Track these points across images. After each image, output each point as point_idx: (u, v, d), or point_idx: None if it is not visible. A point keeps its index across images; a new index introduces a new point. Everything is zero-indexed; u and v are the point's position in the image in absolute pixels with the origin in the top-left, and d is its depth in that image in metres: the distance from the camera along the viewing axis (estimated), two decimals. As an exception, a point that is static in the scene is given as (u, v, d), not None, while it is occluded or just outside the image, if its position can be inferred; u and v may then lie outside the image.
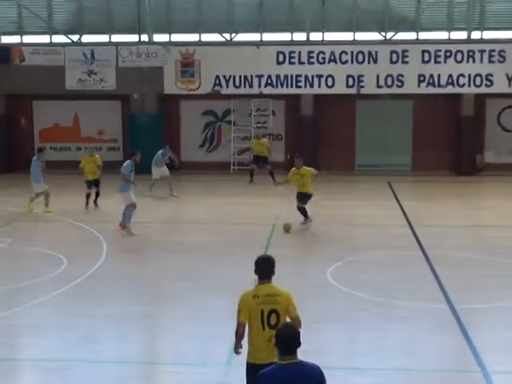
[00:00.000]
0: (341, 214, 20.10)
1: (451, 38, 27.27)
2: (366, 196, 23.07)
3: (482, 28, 27.19)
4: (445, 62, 26.52)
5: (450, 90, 26.60)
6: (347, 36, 27.41)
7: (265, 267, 7.33)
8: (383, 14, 27.30)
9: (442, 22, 27.43)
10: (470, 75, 26.48)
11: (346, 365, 9.70)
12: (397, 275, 13.91)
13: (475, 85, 26.52)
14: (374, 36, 27.41)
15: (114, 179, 18.46)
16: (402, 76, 26.57)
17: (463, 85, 26.52)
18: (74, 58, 27.47)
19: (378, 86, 26.73)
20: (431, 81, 26.49)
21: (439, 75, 26.49)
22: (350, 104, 27.83)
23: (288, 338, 5.81)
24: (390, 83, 26.67)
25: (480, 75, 26.42)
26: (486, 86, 26.48)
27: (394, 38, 27.35)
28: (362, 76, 26.68)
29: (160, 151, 23.11)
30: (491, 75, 26.36)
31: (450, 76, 26.51)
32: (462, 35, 27.07)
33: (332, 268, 14.30)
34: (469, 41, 26.81)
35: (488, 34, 27.22)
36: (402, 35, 27.47)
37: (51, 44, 28.12)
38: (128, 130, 28.08)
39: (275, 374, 5.76)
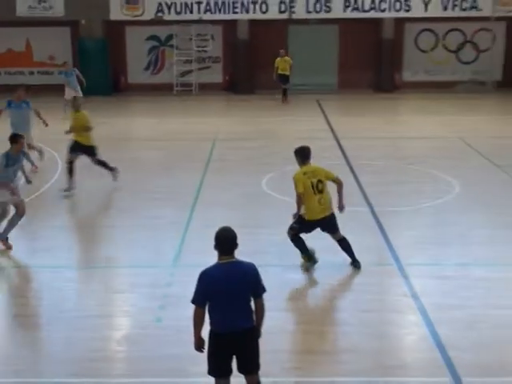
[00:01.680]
0: (275, 128, 20.19)
1: (374, -34, 27.05)
2: (297, 113, 23.19)
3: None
4: (368, -12, 26.38)
5: (372, 14, 26.53)
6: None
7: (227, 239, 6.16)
8: None
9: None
10: (390, 1, 26.38)
11: (281, 263, 9.98)
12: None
13: (395, 10, 26.47)
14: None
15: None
16: (329, 2, 26.35)
17: (384, 10, 26.46)
18: (24, -14, 26.43)
19: (308, 12, 26.49)
20: (356, 6, 26.35)
21: (363, 1, 26.32)
22: (282, 28, 27.58)
23: (226, 240, 5.91)
24: (318, 9, 26.44)
25: (399, 1, 26.36)
26: (405, 10, 26.46)
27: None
28: (293, 2, 26.39)
29: (63, 71, 22.25)
30: (409, 1, 26.32)
31: (373, 1, 26.39)
32: (383, -36, 26.84)
33: (267, 177, 14.49)
34: (390, -31, 26.65)
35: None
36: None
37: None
38: (77, 55, 27.39)
39: (215, 272, 5.91)
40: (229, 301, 5.83)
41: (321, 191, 9.27)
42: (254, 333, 6.04)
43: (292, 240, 9.60)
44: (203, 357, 6.10)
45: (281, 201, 12.60)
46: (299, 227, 9.46)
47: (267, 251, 10.26)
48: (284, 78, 24.99)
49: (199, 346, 6.08)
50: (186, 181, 14.40)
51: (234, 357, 6.04)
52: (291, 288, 9.28)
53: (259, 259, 9.68)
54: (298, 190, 9.20)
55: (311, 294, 9.08)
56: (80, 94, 21.48)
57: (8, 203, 10.47)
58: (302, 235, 9.55)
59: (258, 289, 5.99)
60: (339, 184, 9.59)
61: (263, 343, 6.20)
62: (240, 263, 5.97)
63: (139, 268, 9.99)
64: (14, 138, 10.42)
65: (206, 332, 6.02)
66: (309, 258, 9.62)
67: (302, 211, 9.33)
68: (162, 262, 10.10)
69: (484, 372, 7.08)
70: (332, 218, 9.53)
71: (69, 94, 21.60)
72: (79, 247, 10.90)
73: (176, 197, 13.21)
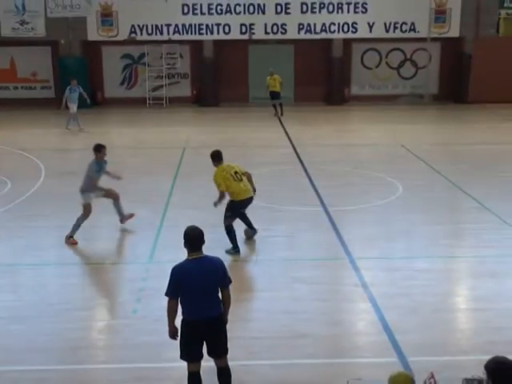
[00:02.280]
0: (239, 137, 20.17)
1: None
2: (259, 123, 23.19)
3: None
4: (319, 12, 26.48)
5: (323, 36, 26.70)
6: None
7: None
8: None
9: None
10: (339, 23, 26.59)
11: (243, 258, 9.96)
12: (282, 186, 14.16)
13: (343, 31, 26.69)
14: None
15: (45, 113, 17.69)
16: (285, 25, 26.46)
17: (334, 31, 26.65)
18: (8, 9, 25.97)
19: (266, 33, 26.55)
20: (308, 29, 26.51)
21: (315, 24, 26.50)
22: (244, 47, 27.57)
23: (194, 237, 5.88)
24: (275, 31, 26.52)
25: (347, 23, 26.59)
26: (352, 32, 26.69)
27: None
28: (253, 24, 26.42)
29: (68, 87, 21.97)
30: (356, 23, 26.58)
31: (324, 24, 26.56)
32: (332, -10, 27.02)
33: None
34: (338, -5, 26.86)
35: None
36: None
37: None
38: (58, 72, 27.03)
39: (186, 266, 5.88)
40: (199, 292, 5.80)
41: (240, 179, 10.02)
42: (221, 320, 6.02)
43: (227, 231, 9.95)
44: (176, 344, 6.05)
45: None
46: (232, 213, 10.04)
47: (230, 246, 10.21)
48: (275, 95, 24.38)
49: (173, 333, 6.04)
50: (158, 185, 14.28)
51: (204, 342, 6.01)
52: (253, 281, 9.27)
53: (224, 254, 9.74)
54: (220, 188, 9.91)
55: (270, 286, 9.02)
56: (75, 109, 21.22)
57: (99, 197, 11.13)
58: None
59: (225, 281, 5.98)
60: (249, 175, 10.34)
61: (229, 330, 6.18)
62: (208, 258, 5.95)
63: (118, 264, 9.89)
64: (98, 148, 10.78)
65: (178, 321, 5.98)
66: (235, 249, 9.93)
67: (231, 197, 10.03)
68: (138, 259, 10.00)
69: (427, 352, 7.15)
70: (252, 198, 10.23)
71: (72, 108, 21.28)
72: (62, 246, 10.73)
73: (150, 199, 13.10)
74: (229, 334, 6.14)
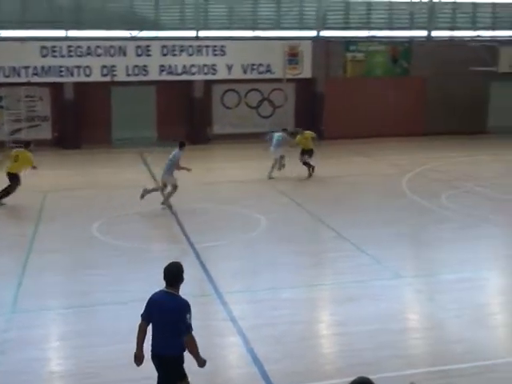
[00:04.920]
0: (104, 179, 19.79)
1: (184, 35, 27.60)
2: (123, 164, 22.87)
3: (207, 28, 27.84)
4: (180, 55, 26.78)
5: (184, 77, 26.99)
6: (100, 33, 26.68)
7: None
8: (129, 15, 27.03)
9: (177, 22, 27.71)
10: (199, 65, 27.03)
11: (110, 300, 9.70)
12: (152, 225, 14.06)
13: (203, 73, 27.15)
14: (123, 33, 27.03)
15: None
16: (147, 66, 26.52)
17: (194, 73, 27.06)
18: None
19: (128, 75, 26.42)
20: (170, 70, 26.73)
21: (176, 65, 26.77)
22: (106, 89, 27.21)
23: (167, 272, 6.05)
24: (137, 72, 26.49)
25: (207, 65, 27.10)
26: (212, 73, 27.22)
27: (139, 35, 27.14)
28: (115, 66, 26.23)
29: None
30: (215, 65, 27.16)
31: (184, 66, 26.90)
32: (192, 34, 27.49)
33: (97, 223, 14.13)
34: (197, 38, 27.33)
35: (212, 33, 27.93)
36: (145, 33, 27.32)
37: None
38: None
39: (156, 296, 6.08)
40: (158, 326, 5.93)
41: None
42: (172, 362, 5.98)
43: None
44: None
45: (110, 245, 12.33)
46: None
47: (99, 290, 9.95)
48: (309, 152, 19.98)
49: (137, 358, 6.06)
50: (20, 230, 13.66)
51: None
52: (125, 324, 9.05)
53: (92, 298, 9.41)
54: None
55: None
56: None
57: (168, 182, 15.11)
58: None
59: (179, 326, 5.91)
60: None
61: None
62: (174, 297, 5.99)
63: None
64: (183, 143, 15.65)
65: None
66: None
67: None
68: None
69: (295, 379, 7.32)
70: None
71: None
72: None
73: (12, 246, 12.49)
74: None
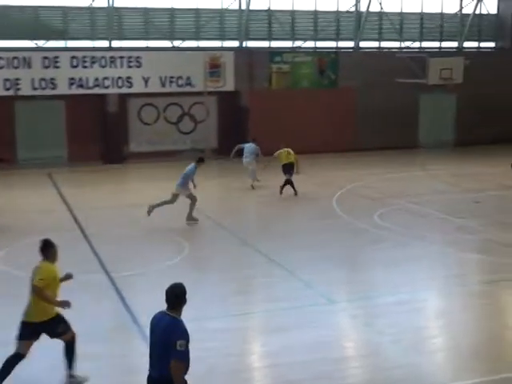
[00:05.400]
0: (8, 203, 19.12)
1: (95, 46, 27.27)
2: (30, 187, 22.19)
3: (121, 38, 27.61)
4: (91, 66, 26.36)
5: (96, 90, 26.58)
6: (2, 43, 25.98)
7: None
8: (34, 23, 26.46)
9: (87, 31, 27.31)
10: (113, 78, 26.69)
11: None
12: (62, 254, 13.64)
13: (118, 86, 26.83)
14: (28, 43, 26.42)
15: None
16: (55, 79, 25.96)
17: (108, 86, 26.69)
18: None
19: (34, 89, 25.77)
20: (80, 83, 26.26)
21: (87, 78, 26.32)
22: (9, 104, 26.44)
23: (167, 293, 6.16)
24: (44, 86, 25.86)
25: (121, 78, 26.79)
26: (127, 87, 26.93)
27: (45, 45, 26.59)
28: (19, 80, 25.54)
29: None
30: (130, 78, 26.89)
31: (97, 79, 26.50)
32: (104, 44, 27.18)
33: (2, 252, 13.63)
34: (110, 49, 27.01)
35: (126, 43, 27.70)
36: (52, 43, 26.81)
37: None
38: None
39: (156, 316, 6.24)
40: (152, 346, 6.18)
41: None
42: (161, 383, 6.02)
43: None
44: None
45: (16, 277, 11.89)
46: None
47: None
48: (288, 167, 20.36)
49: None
50: None
51: None
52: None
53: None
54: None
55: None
56: None
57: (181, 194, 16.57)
58: None
59: (168, 349, 5.91)
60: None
61: None
62: (169, 319, 6.05)
63: None
64: (202, 159, 17.25)
65: None
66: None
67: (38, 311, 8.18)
68: None
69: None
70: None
71: None
72: None
73: None
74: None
